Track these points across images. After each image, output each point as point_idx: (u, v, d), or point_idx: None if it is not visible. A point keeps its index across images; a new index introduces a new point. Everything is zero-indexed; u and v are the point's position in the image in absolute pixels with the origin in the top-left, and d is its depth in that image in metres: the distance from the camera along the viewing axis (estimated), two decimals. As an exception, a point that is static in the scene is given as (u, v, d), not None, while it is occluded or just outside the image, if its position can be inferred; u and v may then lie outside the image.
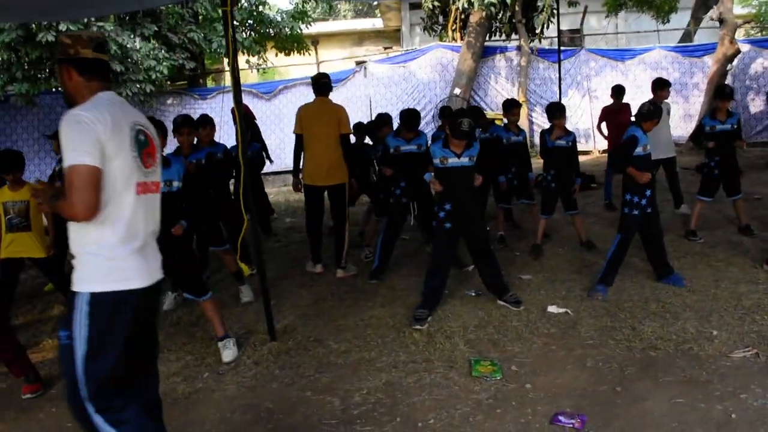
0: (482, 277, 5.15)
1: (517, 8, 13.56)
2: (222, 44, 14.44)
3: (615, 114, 8.44)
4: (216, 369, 4.35)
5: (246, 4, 15.48)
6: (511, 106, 6.94)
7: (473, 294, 5.36)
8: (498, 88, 14.29)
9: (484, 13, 13.16)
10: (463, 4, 12.85)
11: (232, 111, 8.20)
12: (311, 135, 6.02)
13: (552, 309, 4.88)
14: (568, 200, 6.48)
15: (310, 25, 17.12)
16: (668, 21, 17.13)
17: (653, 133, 7.44)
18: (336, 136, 6.01)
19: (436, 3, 14.70)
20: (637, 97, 14.06)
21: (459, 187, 4.80)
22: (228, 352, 4.47)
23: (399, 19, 24.49)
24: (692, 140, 7.01)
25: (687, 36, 16.48)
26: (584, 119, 14.12)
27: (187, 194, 4.68)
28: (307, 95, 14.66)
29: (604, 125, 8.86)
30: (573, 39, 20.33)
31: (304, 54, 18.27)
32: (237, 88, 4.45)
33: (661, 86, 7.43)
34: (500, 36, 15.61)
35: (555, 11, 14.02)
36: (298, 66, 19.88)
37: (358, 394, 3.82)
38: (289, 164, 14.15)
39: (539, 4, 13.38)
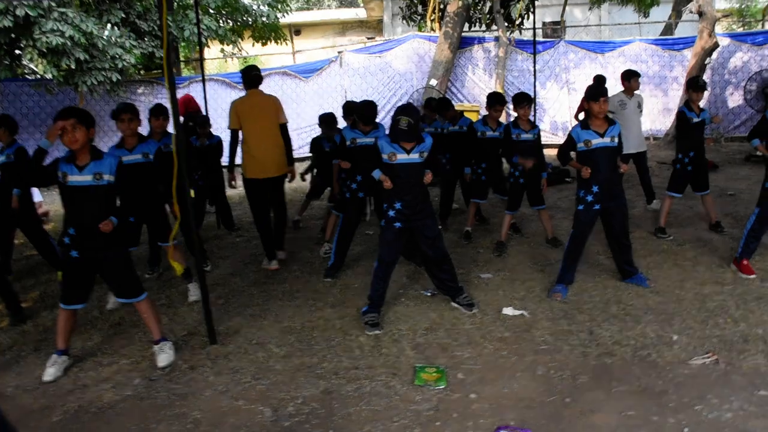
0: (432, 278, 4.91)
1: (495, -2, 13.32)
2: (194, 32, 14.13)
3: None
4: (149, 375, 4.09)
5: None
6: (493, 102, 6.53)
7: (428, 294, 5.13)
8: (475, 80, 14.03)
9: (461, 3, 12.89)
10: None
11: (182, 102, 7.96)
12: (252, 129, 5.95)
13: (508, 311, 4.65)
14: (534, 195, 6.27)
15: (287, 13, 16.77)
16: (648, 15, 16.96)
17: (622, 127, 7.26)
18: (276, 127, 6.01)
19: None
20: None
21: (409, 185, 4.53)
22: (163, 356, 4.22)
23: (382, 9, 24.15)
24: (678, 133, 6.61)
25: (668, 29, 16.30)
26: (562, 112, 13.90)
27: (128, 189, 4.41)
28: (282, 85, 14.49)
29: (582, 116, 8.65)
30: (556, 30, 20.13)
31: (281, 43, 17.95)
32: (171, 82, 4.17)
33: (627, 77, 7.24)
34: (480, 26, 15.36)
35: (533, 1, 13.83)
36: (278, 55, 19.60)
37: (292, 403, 3.58)
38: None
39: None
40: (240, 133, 6.02)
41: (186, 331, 4.77)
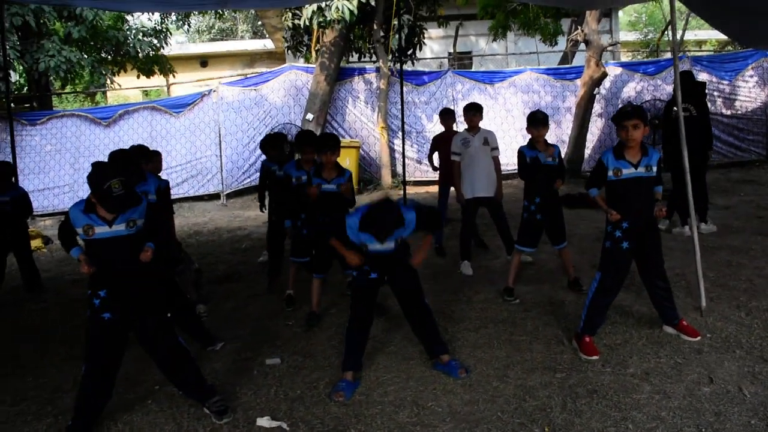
0: (169, 380, 3.76)
1: (375, 27, 12.42)
2: (52, 65, 12.76)
3: (447, 143, 7.15)
4: None
5: (94, 22, 13.76)
6: (301, 143, 5.51)
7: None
8: (356, 113, 13.06)
9: (337, 33, 11.98)
10: (304, 22, 11.60)
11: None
12: None
13: (263, 422, 3.50)
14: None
15: (166, 44, 15.60)
16: (556, 43, 16.39)
17: (467, 168, 6.29)
18: None
19: (296, 22, 13.36)
20: (507, 122, 13.13)
21: (118, 263, 3.40)
22: None
23: (287, 40, 23.24)
24: (520, 175, 5.65)
25: (565, 58, 15.79)
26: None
27: None
28: (150, 121, 13.21)
29: (435, 156, 7.75)
30: (461, 59, 19.50)
31: (167, 76, 16.70)
32: None
33: (467, 111, 6.34)
34: (370, 57, 14.47)
35: (419, 32, 13.05)
36: (159, 88, 18.34)
37: None
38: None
39: (394, 23, 12.23)
40: None
41: None
